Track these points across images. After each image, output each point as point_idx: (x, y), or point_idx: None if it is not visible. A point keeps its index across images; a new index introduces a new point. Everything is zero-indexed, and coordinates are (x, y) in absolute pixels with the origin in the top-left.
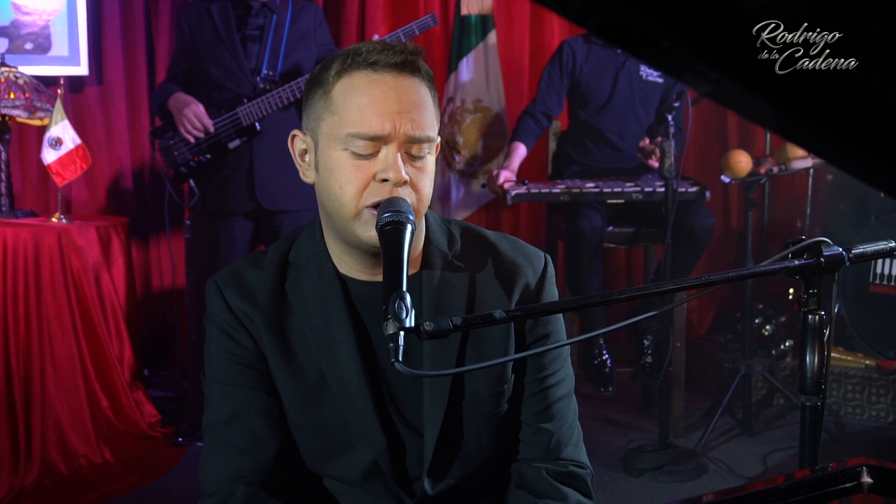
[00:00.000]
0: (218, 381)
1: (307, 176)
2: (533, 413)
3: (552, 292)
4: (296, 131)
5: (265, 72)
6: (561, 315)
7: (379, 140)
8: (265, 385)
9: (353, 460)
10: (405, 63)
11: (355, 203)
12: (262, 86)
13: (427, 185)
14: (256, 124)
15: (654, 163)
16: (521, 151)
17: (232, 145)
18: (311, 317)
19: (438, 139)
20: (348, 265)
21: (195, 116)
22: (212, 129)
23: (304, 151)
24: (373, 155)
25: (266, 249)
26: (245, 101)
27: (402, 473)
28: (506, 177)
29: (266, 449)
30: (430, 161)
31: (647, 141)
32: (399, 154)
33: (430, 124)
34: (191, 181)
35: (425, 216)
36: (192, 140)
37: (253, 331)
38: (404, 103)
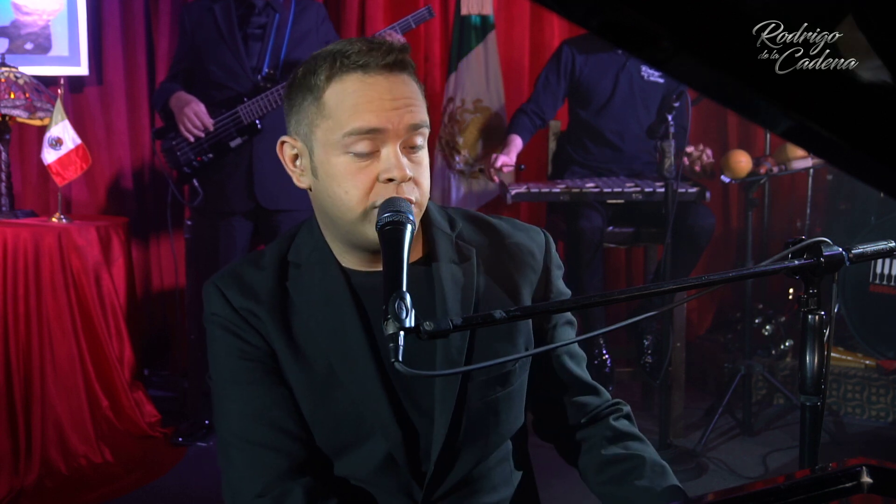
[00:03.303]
0: (231, 381)
1: (301, 181)
2: (570, 380)
3: (559, 263)
4: (284, 137)
5: (266, 70)
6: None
7: (377, 135)
8: (280, 380)
9: (367, 453)
10: (396, 63)
11: (362, 206)
12: (262, 84)
13: (426, 178)
14: (257, 122)
15: (698, 168)
16: (518, 143)
17: (233, 144)
18: (316, 312)
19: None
20: (349, 260)
21: (195, 115)
22: (211, 128)
23: (296, 156)
24: (373, 155)
25: (262, 250)
26: (245, 99)
27: (416, 465)
28: (504, 161)
29: (298, 443)
30: (426, 153)
31: (692, 148)
32: (399, 151)
33: (423, 111)
34: (194, 181)
35: None
36: (191, 139)
37: (260, 328)
38: (398, 100)
